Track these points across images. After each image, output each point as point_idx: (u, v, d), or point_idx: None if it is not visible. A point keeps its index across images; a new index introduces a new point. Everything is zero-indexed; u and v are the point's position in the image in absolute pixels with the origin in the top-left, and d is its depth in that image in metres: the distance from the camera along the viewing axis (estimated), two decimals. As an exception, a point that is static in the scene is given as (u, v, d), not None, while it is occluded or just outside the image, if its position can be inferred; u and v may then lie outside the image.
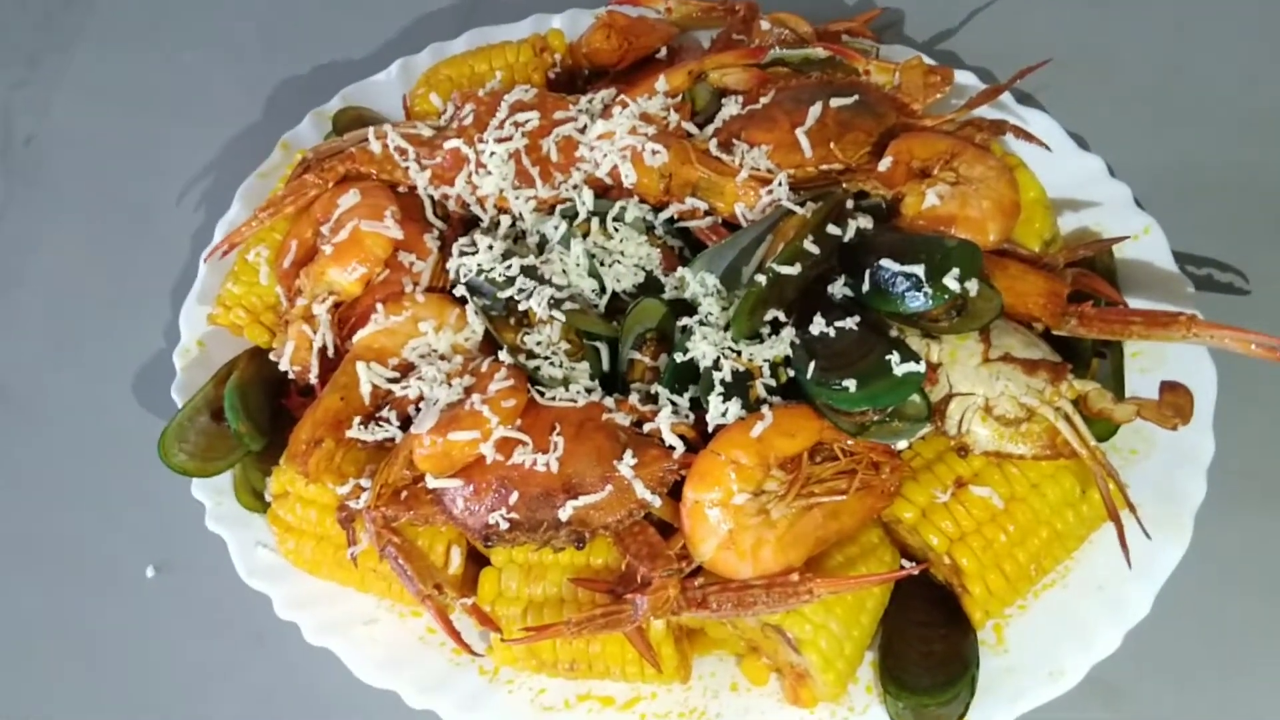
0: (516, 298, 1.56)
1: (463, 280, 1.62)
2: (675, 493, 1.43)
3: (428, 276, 1.67)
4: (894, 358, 1.39)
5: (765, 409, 1.42)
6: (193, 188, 2.19)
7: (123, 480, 1.87)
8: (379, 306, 1.61)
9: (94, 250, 2.15)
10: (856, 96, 1.68)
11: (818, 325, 1.45)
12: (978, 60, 2.01)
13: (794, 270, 1.48)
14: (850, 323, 1.45)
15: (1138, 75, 2.05)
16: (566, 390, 1.52)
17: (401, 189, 1.76)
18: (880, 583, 1.45)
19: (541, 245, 1.67)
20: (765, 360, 1.48)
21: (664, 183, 1.64)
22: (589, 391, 1.53)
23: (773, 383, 1.47)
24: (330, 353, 1.63)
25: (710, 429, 1.44)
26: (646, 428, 1.46)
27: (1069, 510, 1.47)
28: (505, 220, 1.70)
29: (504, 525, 1.41)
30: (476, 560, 1.58)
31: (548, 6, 2.07)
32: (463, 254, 1.64)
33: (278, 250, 1.76)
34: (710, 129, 1.72)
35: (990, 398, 1.43)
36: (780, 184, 1.58)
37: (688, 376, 1.49)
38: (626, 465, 1.40)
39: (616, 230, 1.63)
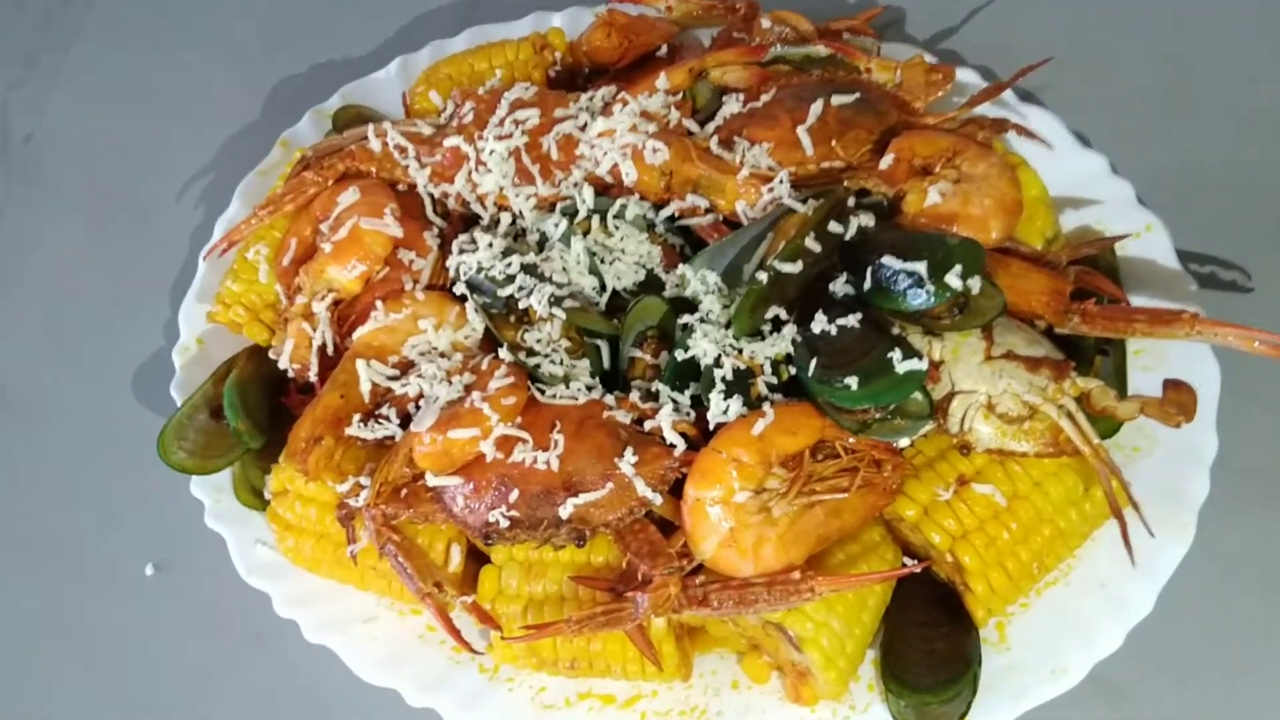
0: (517, 295, 1.56)
1: (463, 278, 1.61)
2: (676, 490, 1.42)
3: (428, 274, 1.67)
4: (896, 355, 1.38)
5: (766, 407, 1.41)
6: (192, 186, 2.19)
7: (121, 478, 1.87)
8: (379, 304, 1.61)
9: (93, 248, 2.16)
10: (858, 94, 1.67)
11: (819, 323, 1.45)
12: (979, 58, 2.01)
13: (795, 268, 1.48)
14: (852, 320, 1.44)
15: (1140, 73, 2.05)
16: (567, 388, 1.51)
17: (401, 187, 1.76)
18: (882, 580, 1.45)
19: (542, 243, 1.66)
20: (766, 358, 1.47)
21: (665, 180, 1.64)
22: (589, 389, 1.53)
23: (774, 380, 1.47)
24: (330, 350, 1.63)
25: (711, 427, 1.44)
26: (647, 425, 1.46)
27: (1072, 508, 1.46)
28: (505, 218, 1.70)
29: (504, 523, 1.41)
30: (477, 558, 1.57)
31: (548, 4, 2.06)
32: (463, 251, 1.64)
33: (277, 248, 1.76)
34: (711, 127, 1.71)
35: (993, 395, 1.43)
36: (781, 182, 1.57)
37: (689, 374, 1.49)
38: (627, 463, 1.40)
39: (617, 228, 1.63)
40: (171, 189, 2.19)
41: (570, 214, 1.65)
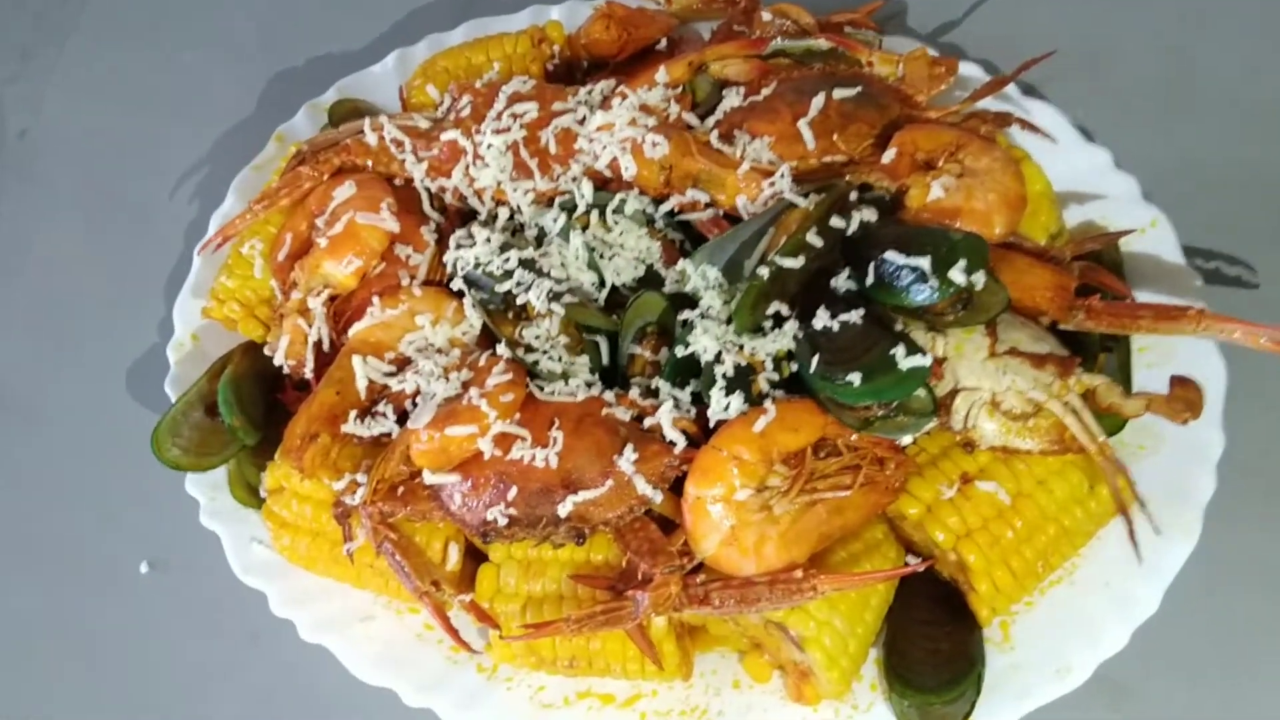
0: (515, 291, 1.55)
1: (460, 273, 1.60)
2: (677, 488, 1.41)
3: (424, 270, 1.65)
4: (899, 351, 1.37)
5: (768, 403, 1.40)
6: (187, 180, 2.18)
7: (115, 475, 1.86)
8: (375, 300, 1.60)
9: (87, 244, 2.15)
10: (860, 88, 1.66)
11: (821, 319, 1.43)
12: (981, 52, 2.00)
13: (797, 263, 1.46)
14: (854, 316, 1.43)
15: (1144, 67, 2.04)
16: (566, 384, 1.50)
17: (398, 181, 1.75)
18: (885, 579, 1.44)
19: (540, 238, 1.65)
20: (768, 354, 1.46)
21: (664, 175, 1.62)
22: (589, 386, 1.51)
23: (775, 377, 1.46)
24: (325, 347, 1.62)
25: (712, 424, 1.43)
26: (647, 422, 1.45)
27: (1077, 506, 1.45)
28: (503, 213, 1.69)
29: (502, 521, 1.40)
30: (475, 556, 1.56)
31: (546, -3, 2.05)
32: (460, 247, 1.63)
33: (272, 243, 1.75)
34: (711, 121, 1.70)
35: (997, 392, 1.42)
36: (782, 176, 1.56)
37: (689, 371, 1.48)
38: (627, 460, 1.39)
39: (616, 223, 1.62)
40: (166, 184, 2.18)
41: (569, 209, 1.64)
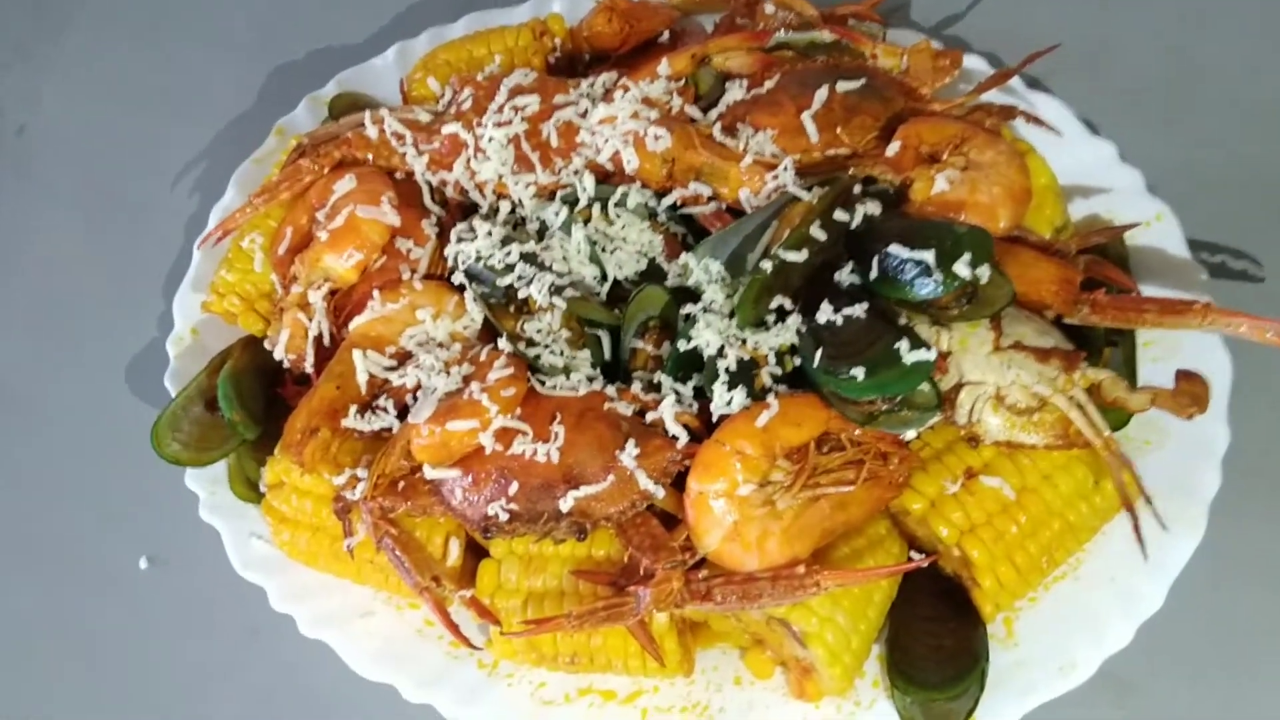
0: (516, 285, 1.55)
1: (461, 267, 1.60)
2: (679, 483, 1.41)
3: (425, 263, 1.65)
4: (903, 346, 1.36)
5: (771, 398, 1.40)
6: (186, 174, 2.17)
7: (115, 470, 1.86)
8: (376, 294, 1.59)
9: (86, 239, 2.14)
10: (864, 80, 1.65)
11: (825, 313, 1.43)
12: (985, 45, 1.99)
13: (800, 257, 1.46)
14: (858, 310, 1.42)
15: (1149, 59, 2.02)
16: (567, 379, 1.50)
17: (399, 174, 1.74)
18: (888, 575, 1.43)
19: (541, 231, 1.65)
20: (771, 348, 1.45)
21: (667, 168, 1.62)
22: (590, 380, 1.51)
23: (778, 371, 1.45)
24: (326, 341, 1.62)
25: (714, 418, 1.42)
26: (649, 417, 1.44)
27: (1081, 501, 1.45)
28: (505, 206, 1.68)
29: (503, 516, 1.39)
30: (475, 552, 1.55)
31: (548, -11, 2.04)
32: (461, 240, 1.62)
33: (273, 237, 1.74)
34: (714, 113, 1.69)
35: (1002, 386, 1.41)
36: (786, 169, 1.55)
37: (691, 365, 1.47)
38: (629, 455, 1.38)
39: (618, 216, 1.61)
40: (166, 178, 2.17)
41: (571, 202, 1.64)
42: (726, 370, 1.42)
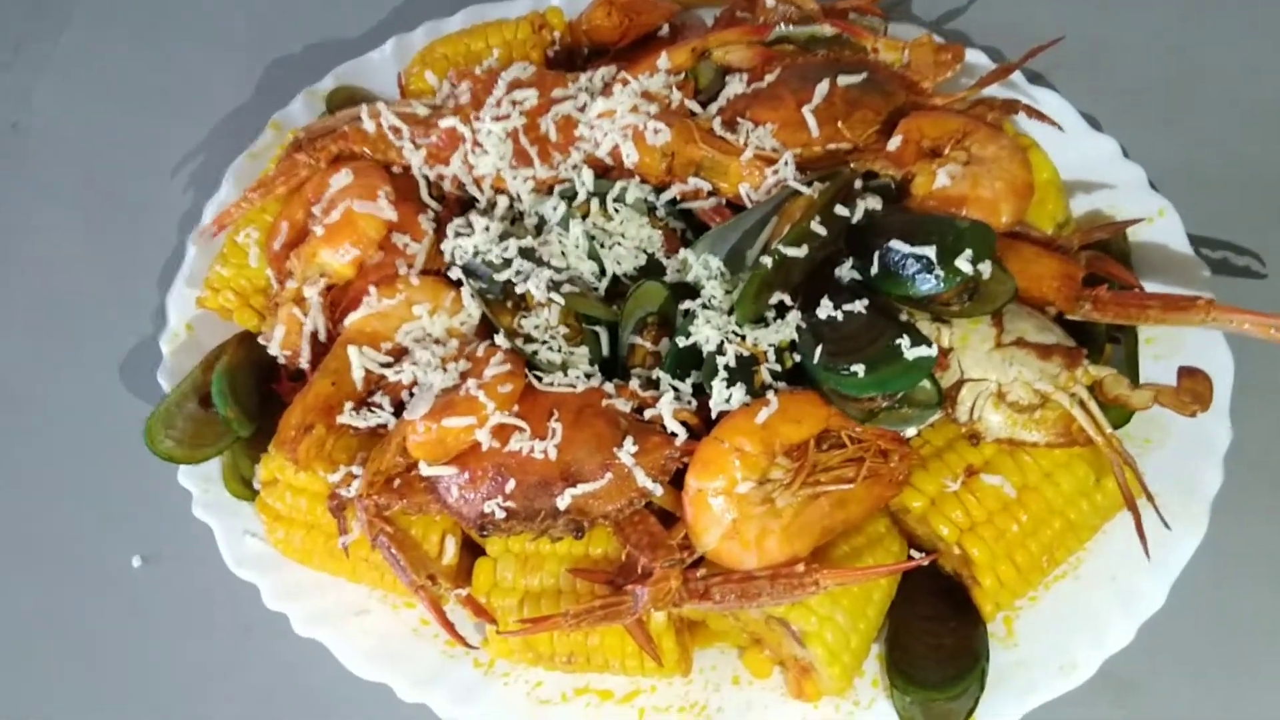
0: (514, 280, 1.54)
1: (458, 262, 1.59)
2: (677, 481, 1.40)
3: (422, 259, 1.64)
4: (904, 342, 1.35)
5: (770, 395, 1.39)
6: (181, 169, 2.16)
7: (108, 467, 1.85)
8: (372, 289, 1.58)
9: (81, 234, 2.13)
10: (865, 74, 1.64)
11: (825, 309, 1.42)
12: (986, 39, 1.98)
13: (800, 252, 1.45)
14: (858, 306, 1.41)
15: (1151, 55, 2.02)
16: (565, 375, 1.49)
17: (396, 169, 1.73)
18: (888, 574, 1.43)
19: (539, 227, 1.64)
20: (770, 345, 1.44)
21: (666, 162, 1.61)
22: (588, 377, 1.50)
23: (778, 368, 1.44)
24: (321, 337, 1.60)
25: (713, 415, 1.41)
26: (648, 414, 1.43)
27: (1083, 499, 1.44)
28: (502, 201, 1.67)
29: (500, 514, 1.38)
30: (472, 550, 1.55)
31: (546, -17, 2.03)
32: (458, 235, 1.61)
33: (268, 232, 1.73)
34: (714, 107, 1.68)
35: (1003, 383, 1.40)
36: (786, 164, 1.54)
37: (690, 361, 1.46)
38: (627, 452, 1.37)
39: (617, 211, 1.60)
40: (161, 173, 2.15)
41: (569, 197, 1.63)
42: (726, 367, 1.41)
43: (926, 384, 1.39)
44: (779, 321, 1.45)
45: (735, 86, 1.68)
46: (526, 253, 1.56)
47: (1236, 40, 2.01)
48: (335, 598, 1.58)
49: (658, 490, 1.38)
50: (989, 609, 1.44)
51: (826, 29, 1.76)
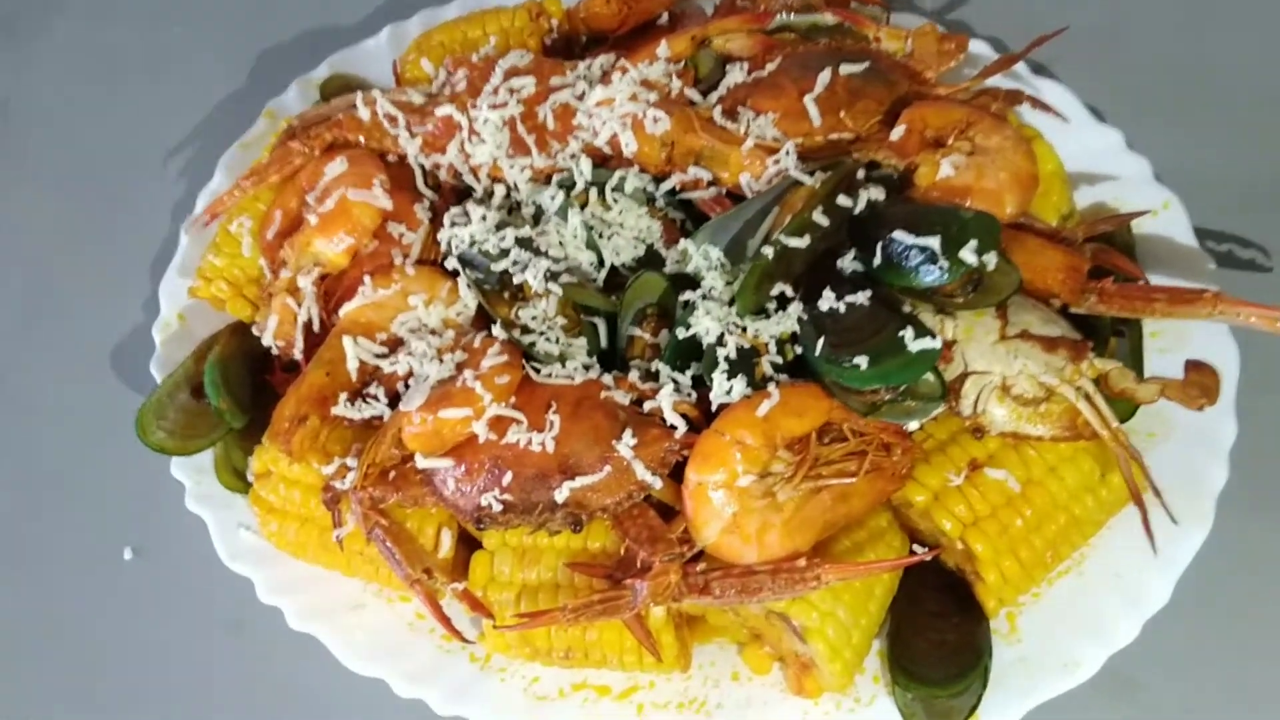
0: (511, 270, 1.53)
1: (455, 252, 1.57)
2: (677, 474, 1.39)
3: (418, 248, 1.63)
4: (907, 334, 1.34)
5: (772, 387, 1.37)
6: (174, 158, 2.15)
7: (99, 459, 1.84)
8: (367, 279, 1.57)
9: (71, 221, 2.12)
10: (867, 63, 1.63)
11: (827, 300, 1.41)
12: (990, 29, 1.97)
13: (802, 243, 1.44)
14: (861, 298, 1.40)
15: (1155, 47, 2.01)
16: (563, 367, 1.48)
17: (391, 158, 1.72)
18: (890, 569, 1.42)
19: (537, 216, 1.63)
20: (771, 336, 1.44)
21: (666, 151, 1.59)
22: (587, 368, 1.49)
23: (779, 360, 1.44)
24: (315, 327, 1.60)
25: (714, 408, 1.40)
26: (647, 406, 1.42)
27: (1088, 494, 1.43)
28: (499, 190, 1.66)
29: (497, 507, 1.37)
30: (468, 544, 1.54)
31: (544, -30, 2.01)
32: (455, 225, 1.60)
33: (262, 221, 1.72)
34: (714, 96, 1.68)
35: (1008, 376, 1.39)
36: (787, 153, 1.53)
37: (690, 353, 1.45)
38: (626, 445, 1.36)
39: (615, 201, 1.59)
40: (153, 161, 2.15)
41: (567, 186, 1.62)
42: (726, 359, 1.40)
43: (930, 377, 1.38)
44: (780, 313, 1.44)
45: (736, 75, 1.68)
46: (524, 242, 1.54)
47: (1242, 31, 2.01)
48: (330, 592, 1.57)
49: (657, 483, 1.37)
50: (992, 605, 1.43)
51: (828, 17, 1.75)
